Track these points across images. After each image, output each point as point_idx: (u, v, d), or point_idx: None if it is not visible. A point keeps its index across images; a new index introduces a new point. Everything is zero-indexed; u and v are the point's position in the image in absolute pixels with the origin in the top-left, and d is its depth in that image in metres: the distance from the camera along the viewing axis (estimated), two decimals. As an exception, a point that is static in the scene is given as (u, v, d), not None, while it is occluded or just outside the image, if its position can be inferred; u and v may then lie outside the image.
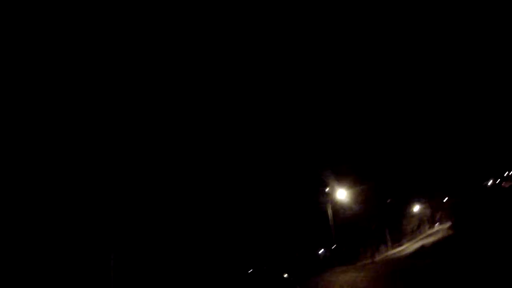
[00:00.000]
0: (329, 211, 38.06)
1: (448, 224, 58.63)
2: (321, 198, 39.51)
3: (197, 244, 26.68)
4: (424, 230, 64.71)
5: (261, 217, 35.04)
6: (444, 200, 71.77)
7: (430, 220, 70.10)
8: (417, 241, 45.47)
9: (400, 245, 49.97)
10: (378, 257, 40.37)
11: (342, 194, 39.50)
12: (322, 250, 44.97)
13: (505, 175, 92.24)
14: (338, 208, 42.30)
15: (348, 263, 37.75)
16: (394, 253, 39.26)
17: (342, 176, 41.51)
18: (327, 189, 39.54)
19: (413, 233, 59.75)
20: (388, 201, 52.20)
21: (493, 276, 10.97)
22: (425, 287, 13.98)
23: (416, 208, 63.00)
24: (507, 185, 69.89)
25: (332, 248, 39.55)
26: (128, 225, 22.46)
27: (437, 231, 54.43)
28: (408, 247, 41.54)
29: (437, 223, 69.56)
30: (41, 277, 16.66)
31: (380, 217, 49.00)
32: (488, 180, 77.03)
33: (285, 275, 12.75)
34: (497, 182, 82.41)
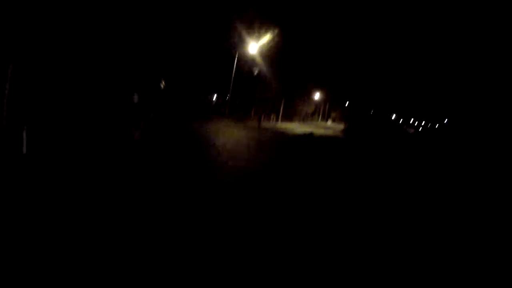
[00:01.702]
0: (235, 62, 36.19)
1: (341, 126, 61.49)
2: (230, 46, 37.23)
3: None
4: (317, 120, 67.21)
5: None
6: (346, 104, 74.69)
7: (325, 113, 72.87)
8: (307, 126, 46.24)
9: (291, 122, 50.80)
10: (267, 124, 40.10)
11: (253, 48, 37.56)
12: (216, 96, 43.38)
13: (411, 121, 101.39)
14: (245, 63, 40.38)
15: (237, 119, 37.09)
16: (283, 127, 39.15)
17: (256, 33, 39.03)
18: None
19: (306, 117, 61.34)
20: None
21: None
22: (298, 168, 13.59)
23: (317, 95, 63.75)
24: (410, 130, 76.01)
25: (227, 98, 38.08)
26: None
27: (329, 127, 56.61)
28: (297, 128, 41.86)
29: (331, 120, 72.90)
30: None
31: (281, 88, 48.18)
32: (392, 114, 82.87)
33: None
34: (400, 121, 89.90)
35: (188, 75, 35.35)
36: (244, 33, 37.78)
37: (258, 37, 39.24)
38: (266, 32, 40.50)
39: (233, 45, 37.51)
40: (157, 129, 15.80)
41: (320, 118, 69.61)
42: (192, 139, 17.31)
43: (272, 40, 41.47)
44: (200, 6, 34.07)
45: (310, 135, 31.83)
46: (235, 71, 36.81)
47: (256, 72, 44.23)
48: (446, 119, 76.00)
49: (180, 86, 34.75)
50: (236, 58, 36.49)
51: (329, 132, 42.37)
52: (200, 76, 37.17)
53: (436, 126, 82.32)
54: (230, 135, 20.95)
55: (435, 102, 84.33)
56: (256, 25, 39.24)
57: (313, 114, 66.07)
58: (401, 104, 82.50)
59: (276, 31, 41.69)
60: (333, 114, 74.83)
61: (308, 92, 60.30)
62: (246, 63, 41.42)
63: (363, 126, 40.42)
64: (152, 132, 10.61)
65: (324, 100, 68.42)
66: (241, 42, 37.99)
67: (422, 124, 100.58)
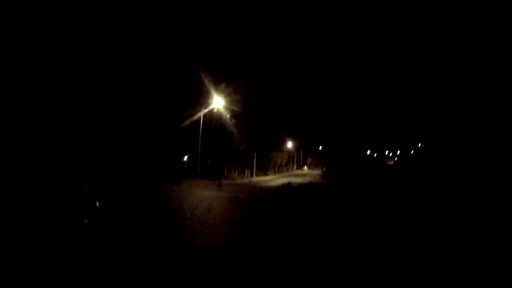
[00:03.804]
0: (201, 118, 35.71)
1: (318, 171, 60.99)
2: (195, 103, 36.77)
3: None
4: (292, 168, 66.55)
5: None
6: (320, 148, 74.77)
7: (300, 161, 72.51)
8: (284, 177, 45.40)
9: (266, 175, 49.82)
10: (242, 180, 39.06)
11: (218, 102, 37.05)
12: (186, 157, 42.27)
13: (386, 153, 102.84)
14: (211, 119, 39.77)
15: (210, 178, 35.91)
16: (259, 181, 38.13)
17: (222, 86, 38.88)
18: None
19: (281, 168, 60.55)
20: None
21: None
22: (283, 225, 13.18)
23: (289, 144, 63.59)
24: (390, 162, 76.90)
25: (198, 158, 37.01)
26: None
27: (306, 174, 55.94)
28: (274, 179, 40.97)
29: (307, 166, 72.46)
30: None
31: (251, 141, 47.50)
32: (367, 151, 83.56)
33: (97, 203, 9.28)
34: (375, 156, 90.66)
35: (155, 140, 34.38)
36: (209, 89, 37.42)
37: (223, 91, 38.94)
38: (230, 85, 40.38)
39: (199, 104, 36.99)
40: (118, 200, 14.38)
41: (295, 166, 69.07)
42: (159, 209, 15.89)
43: (238, 93, 41.33)
44: (164, 63, 34.07)
45: (289, 185, 30.81)
46: (203, 130, 36.06)
47: (225, 127, 43.62)
48: (420, 144, 77.45)
49: (148, 152, 33.59)
50: (201, 117, 35.86)
51: (308, 179, 41.64)
52: (168, 139, 36.21)
53: (412, 152, 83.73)
54: (200, 199, 19.55)
55: (404, 132, 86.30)
56: (220, 79, 39.09)
57: (287, 163, 65.49)
58: (373, 139, 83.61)
59: (240, 83, 41.75)
60: (308, 160, 74.57)
61: (280, 142, 60.02)
62: (214, 120, 40.86)
63: (342, 167, 39.85)
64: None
65: (297, 148, 68.24)
66: (206, 99, 37.53)
67: (398, 153, 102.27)
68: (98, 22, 27.82)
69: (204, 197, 20.67)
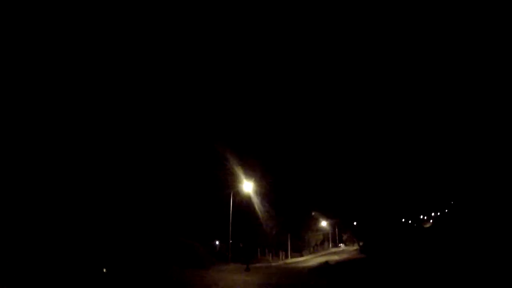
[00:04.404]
0: (230, 203, 35.13)
1: (354, 246, 58.73)
2: (224, 187, 36.72)
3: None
4: (328, 247, 64.32)
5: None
6: (354, 224, 72.58)
7: (335, 238, 70.16)
8: (320, 256, 43.71)
9: (301, 256, 48.07)
10: (275, 263, 37.66)
11: (248, 186, 36.49)
12: (218, 242, 41.55)
13: (421, 217, 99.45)
14: (242, 203, 39.31)
15: (243, 262, 34.74)
16: (294, 263, 36.73)
17: (251, 170, 38.83)
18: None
19: (316, 247, 58.60)
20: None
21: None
22: None
23: (323, 223, 62.21)
24: (426, 225, 74.32)
25: (229, 242, 36.17)
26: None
27: (342, 251, 53.81)
28: (309, 260, 39.48)
29: (343, 243, 69.92)
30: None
31: (284, 223, 46.48)
32: (401, 219, 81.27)
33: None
34: (410, 221, 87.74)
35: (182, 223, 34.19)
36: (238, 173, 37.41)
37: (252, 175, 38.81)
38: (259, 170, 40.42)
39: (228, 188, 36.93)
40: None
41: (330, 244, 66.82)
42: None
43: (267, 175, 41.22)
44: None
45: (326, 264, 29.52)
46: (234, 214, 35.47)
47: (256, 211, 43.06)
48: (452, 201, 75.50)
49: (171, 236, 33.24)
50: (231, 202, 35.48)
51: (345, 256, 39.93)
52: (196, 223, 35.93)
53: (446, 211, 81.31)
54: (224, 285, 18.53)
55: (434, 193, 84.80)
56: (248, 164, 39.27)
57: (322, 242, 63.49)
58: (406, 206, 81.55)
59: (269, 168, 41.87)
60: (343, 237, 72.40)
61: (313, 222, 58.85)
62: (244, 204, 40.44)
63: (379, 239, 38.42)
64: None
65: (331, 226, 66.57)
66: (236, 183, 37.43)
67: (432, 215, 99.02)
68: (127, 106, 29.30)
69: (229, 282, 19.59)
